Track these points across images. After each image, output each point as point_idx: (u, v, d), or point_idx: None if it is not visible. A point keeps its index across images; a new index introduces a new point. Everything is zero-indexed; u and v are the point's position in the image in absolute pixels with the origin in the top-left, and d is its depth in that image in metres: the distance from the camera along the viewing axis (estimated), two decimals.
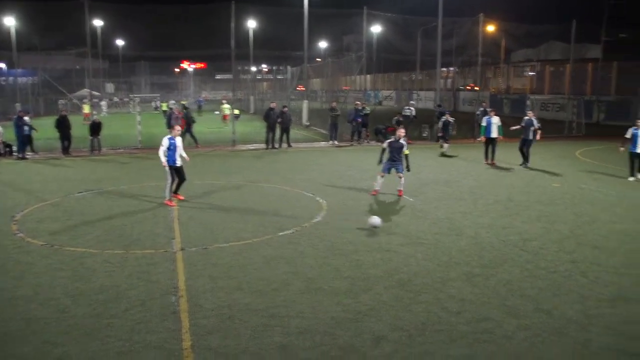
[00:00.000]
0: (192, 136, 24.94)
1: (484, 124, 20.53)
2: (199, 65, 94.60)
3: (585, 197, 14.50)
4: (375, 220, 11.03)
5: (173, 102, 40.80)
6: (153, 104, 61.48)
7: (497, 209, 13.17)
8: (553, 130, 31.20)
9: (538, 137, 19.64)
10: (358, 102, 27.77)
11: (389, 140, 14.35)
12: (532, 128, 19.44)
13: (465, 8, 39.19)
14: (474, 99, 49.05)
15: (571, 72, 43.62)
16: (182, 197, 13.61)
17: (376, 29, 52.31)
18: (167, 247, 9.92)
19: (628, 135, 17.30)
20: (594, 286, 8.19)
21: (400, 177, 14.14)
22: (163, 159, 12.95)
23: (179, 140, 13.23)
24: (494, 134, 20.19)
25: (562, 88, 45.66)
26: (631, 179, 17.05)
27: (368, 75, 64.39)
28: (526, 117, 19.80)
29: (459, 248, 9.97)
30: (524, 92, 49.80)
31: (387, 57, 57.72)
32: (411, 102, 33.58)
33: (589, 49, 48.53)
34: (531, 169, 19.06)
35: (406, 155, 14.30)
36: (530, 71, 55.79)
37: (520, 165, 19.49)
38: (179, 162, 13.17)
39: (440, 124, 20.39)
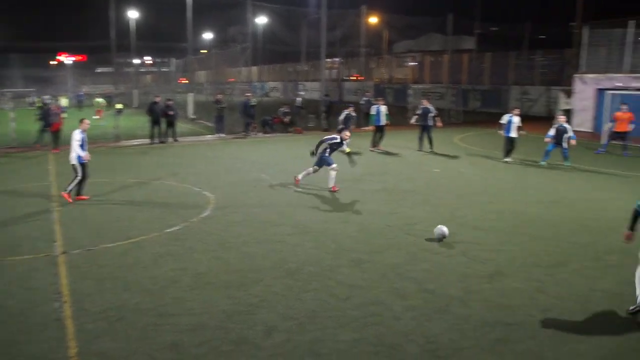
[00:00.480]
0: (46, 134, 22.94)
1: (373, 112, 21.37)
2: (78, 57, 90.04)
3: (464, 181, 15.27)
4: (444, 229, 10.03)
5: (48, 97, 38.53)
6: (28, 99, 57.76)
7: (383, 195, 13.59)
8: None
9: (439, 123, 20.98)
10: (249, 94, 27.71)
11: (332, 141, 14.16)
12: (430, 115, 20.64)
13: (349, 0, 39.93)
14: (358, 89, 50.13)
15: (449, 62, 45.67)
16: (86, 197, 13.04)
17: (261, 20, 52.20)
18: (48, 251, 9.37)
19: (503, 120, 18.59)
20: (474, 264, 8.67)
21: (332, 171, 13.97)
22: (83, 153, 12.67)
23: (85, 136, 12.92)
24: (383, 121, 21.06)
25: (441, 77, 47.73)
26: (506, 159, 18.31)
27: (254, 67, 64.12)
28: (422, 106, 21.01)
29: (347, 235, 10.19)
30: (406, 82, 51.51)
31: (272, 48, 57.79)
32: (300, 92, 33.85)
33: (464, 41, 51.01)
34: (437, 153, 20.20)
35: (348, 154, 14.43)
36: (412, 61, 57.78)
37: (418, 151, 20.78)
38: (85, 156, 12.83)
39: (342, 117, 20.60)
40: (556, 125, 17.94)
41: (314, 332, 6.37)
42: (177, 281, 7.92)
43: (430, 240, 9.83)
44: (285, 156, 19.72)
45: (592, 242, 9.92)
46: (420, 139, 20.87)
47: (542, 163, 18.07)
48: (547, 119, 34.74)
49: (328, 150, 14.09)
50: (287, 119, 28.11)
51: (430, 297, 7.39)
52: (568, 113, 30.36)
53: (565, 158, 17.85)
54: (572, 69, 33.39)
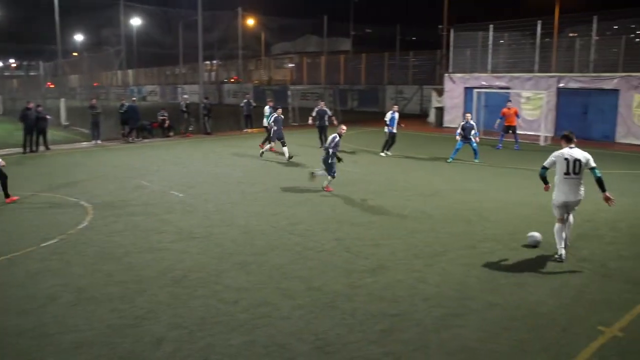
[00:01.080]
0: None
1: (267, 113, 21.90)
2: None
3: (344, 178, 15.67)
4: (537, 235, 9.84)
5: None
6: None
7: (266, 196, 13.68)
8: None
9: (335, 122, 21.63)
10: (134, 98, 27.09)
11: (336, 140, 14.35)
12: (326, 116, 21.88)
13: (225, 2, 39.66)
14: (238, 91, 49.96)
15: (326, 63, 46.56)
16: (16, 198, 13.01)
17: (135, 21, 50.60)
18: None
19: (387, 118, 19.81)
20: (357, 259, 8.96)
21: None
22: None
23: None
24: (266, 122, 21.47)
25: (319, 78, 48.61)
26: (383, 154, 19.21)
27: (130, 70, 62.04)
28: (317, 108, 22.15)
29: (231, 238, 10.17)
30: (284, 83, 51.98)
31: (148, 50, 56.13)
32: (184, 96, 33.11)
33: (340, 42, 52.31)
34: (280, 160, 19.84)
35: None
36: (290, 63, 58.38)
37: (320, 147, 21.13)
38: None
39: (271, 120, 20.00)
40: (462, 123, 18.97)
41: (205, 339, 6.33)
42: (57, 298, 7.54)
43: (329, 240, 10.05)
44: (165, 161, 19.30)
45: (467, 231, 10.56)
46: (321, 139, 22.00)
47: (450, 160, 19.00)
48: (421, 117, 36.49)
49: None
50: (166, 124, 27.50)
51: (316, 294, 7.56)
52: (440, 111, 32.06)
53: (475, 154, 18.89)
54: (442, 69, 35.22)
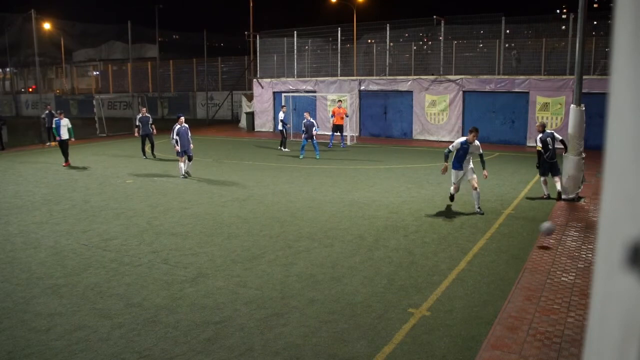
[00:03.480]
0: None
1: (54, 126, 20.27)
2: None
3: (157, 189, 15.34)
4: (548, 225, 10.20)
5: None
6: None
7: (75, 213, 12.94)
8: (122, 127, 31.94)
9: (155, 131, 21.87)
10: None
11: None
12: (150, 123, 21.57)
13: (16, 3, 36.64)
14: (38, 102, 46.49)
15: (132, 70, 45.01)
16: None
17: None
18: None
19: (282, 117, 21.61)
20: (176, 270, 8.85)
21: None
22: None
23: None
24: (65, 135, 20.10)
25: (126, 86, 46.88)
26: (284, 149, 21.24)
27: None
28: (140, 115, 21.69)
29: (39, 261, 9.49)
30: (90, 92, 49.37)
31: None
32: None
33: (148, 49, 50.83)
34: (89, 174, 19.20)
35: None
36: (94, 71, 55.54)
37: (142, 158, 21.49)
38: None
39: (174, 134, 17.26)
40: (304, 121, 20.17)
41: None
42: None
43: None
44: None
45: (282, 232, 10.89)
46: (143, 148, 21.63)
47: (300, 157, 20.48)
48: (233, 122, 36.73)
49: None
50: None
51: (137, 310, 7.35)
52: (251, 115, 32.55)
53: (316, 151, 20.42)
54: (251, 74, 35.77)
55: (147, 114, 21.87)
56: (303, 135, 20.40)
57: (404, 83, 27.15)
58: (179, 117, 17.24)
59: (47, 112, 27.13)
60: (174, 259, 9.42)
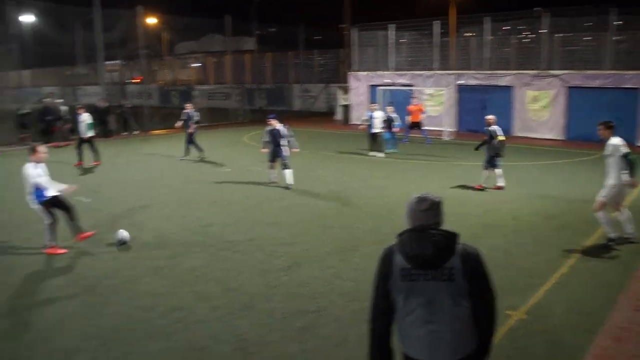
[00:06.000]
0: None
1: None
2: None
3: (254, 178, 15.65)
4: (123, 234, 9.85)
5: None
6: None
7: (175, 198, 13.43)
8: (221, 117, 32.90)
9: (191, 129, 19.24)
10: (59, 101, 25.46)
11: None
12: (193, 120, 19.27)
13: (124, 0, 38.47)
14: (142, 92, 48.66)
15: (231, 63, 46.18)
16: (90, 233, 10.03)
17: (27, 18, 48.07)
18: None
19: (365, 117, 20.16)
20: (272, 259, 9.00)
21: None
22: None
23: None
24: (88, 133, 18.49)
25: (225, 78, 48.15)
26: (373, 154, 19.50)
27: (25, 71, 58.92)
28: (185, 111, 19.57)
29: (143, 243, 9.92)
30: (190, 84, 51.09)
31: (44, 50, 53.46)
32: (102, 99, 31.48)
33: (245, 42, 51.93)
34: (190, 161, 19.14)
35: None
36: (195, 63, 57.43)
37: (181, 159, 19.42)
38: (52, 192, 9.48)
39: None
40: (387, 115, 19.89)
41: (121, 348, 6.16)
42: None
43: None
44: (68, 165, 18.43)
45: (377, 226, 10.82)
46: (187, 147, 19.53)
47: (390, 151, 20.03)
48: (329, 115, 36.93)
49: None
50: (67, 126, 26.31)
51: (234, 295, 7.53)
52: (347, 108, 32.57)
53: (392, 145, 20.26)
54: (346, 67, 35.79)
55: (190, 111, 19.53)
56: (385, 130, 19.72)
57: (503, 78, 26.29)
58: (269, 119, 14.82)
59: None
60: (270, 247, 9.58)
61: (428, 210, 3.51)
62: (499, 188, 13.86)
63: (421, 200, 3.55)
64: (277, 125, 14.34)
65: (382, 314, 3.58)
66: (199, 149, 19.47)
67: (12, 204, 12.86)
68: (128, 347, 6.17)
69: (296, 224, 11.11)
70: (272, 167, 14.76)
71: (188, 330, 6.56)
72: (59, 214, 9.56)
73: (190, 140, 19.38)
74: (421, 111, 23.53)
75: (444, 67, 28.88)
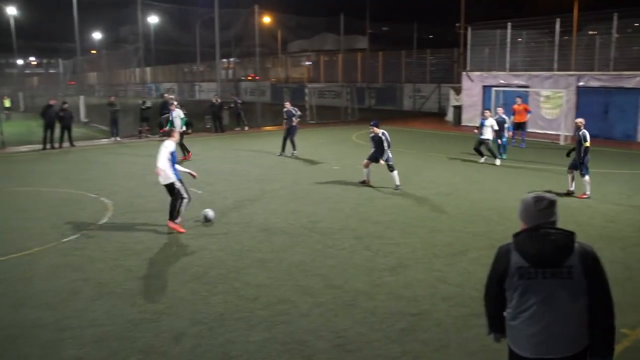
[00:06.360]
0: None
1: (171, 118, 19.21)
2: None
3: (362, 177, 15.60)
4: (209, 213, 11.08)
5: None
6: None
7: (284, 194, 13.67)
8: (331, 116, 33.16)
9: (294, 123, 19.56)
10: (171, 97, 26.81)
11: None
12: (294, 117, 19.59)
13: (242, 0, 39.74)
14: (255, 89, 50.10)
15: (343, 61, 46.49)
16: (181, 230, 10.52)
17: (153, 19, 50.87)
18: None
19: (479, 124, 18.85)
20: (377, 258, 8.92)
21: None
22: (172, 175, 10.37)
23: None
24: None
25: (336, 76, 48.56)
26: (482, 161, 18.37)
27: (148, 68, 62.46)
28: (285, 109, 19.79)
29: (250, 235, 10.17)
30: (302, 81, 51.96)
31: (166, 48, 56.42)
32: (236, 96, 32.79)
33: (357, 40, 52.14)
34: (298, 158, 19.36)
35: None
36: (307, 61, 58.39)
37: (279, 155, 19.67)
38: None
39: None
40: (495, 118, 18.60)
41: (224, 335, 6.33)
42: (78, 292, 7.60)
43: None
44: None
45: (488, 231, 10.46)
46: (284, 144, 19.80)
47: (503, 157, 18.71)
48: (439, 115, 36.30)
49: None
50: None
51: (337, 292, 7.53)
52: (458, 109, 31.87)
53: (503, 150, 18.87)
54: (460, 67, 35.00)
55: (290, 108, 19.77)
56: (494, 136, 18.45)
57: (631, 79, 24.62)
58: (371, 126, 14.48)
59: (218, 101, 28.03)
60: (376, 246, 9.51)
61: (545, 210, 3.54)
62: (585, 196, 13.09)
63: (539, 199, 3.57)
64: (379, 131, 14.17)
65: (495, 305, 3.79)
66: (293, 146, 19.71)
67: (133, 190, 13.57)
68: (231, 335, 6.32)
69: (403, 224, 10.95)
70: (366, 166, 14.62)
71: (290, 323, 6.63)
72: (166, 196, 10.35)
73: (288, 137, 19.67)
74: (527, 111, 22.46)
75: (563, 67, 27.48)
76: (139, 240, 9.92)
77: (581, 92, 26.28)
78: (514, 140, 22.23)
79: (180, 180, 10.44)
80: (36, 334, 6.42)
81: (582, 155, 12.90)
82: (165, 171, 10.23)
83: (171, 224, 10.35)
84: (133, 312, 6.94)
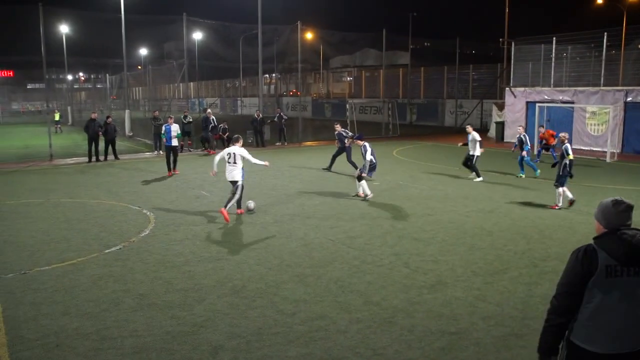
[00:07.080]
0: None
1: (163, 132, 19.66)
2: (5, 73, 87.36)
3: (403, 193, 15.53)
4: (251, 204, 13.30)
5: None
6: None
7: (324, 209, 13.67)
8: (371, 131, 33.10)
9: (347, 143, 19.46)
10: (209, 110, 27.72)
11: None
12: (345, 139, 19.46)
13: (284, 16, 40.21)
14: (297, 104, 50.51)
15: (384, 77, 46.46)
16: (227, 218, 12.44)
17: (197, 35, 51.79)
18: None
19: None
20: (416, 275, 8.83)
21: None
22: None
23: None
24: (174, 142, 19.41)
25: (378, 92, 48.55)
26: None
27: (191, 83, 63.53)
28: (336, 132, 19.82)
29: (290, 250, 10.19)
30: (343, 97, 52.12)
31: (209, 64, 57.32)
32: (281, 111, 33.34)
33: (399, 56, 52.14)
34: (338, 173, 19.54)
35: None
36: (348, 76, 58.58)
37: (324, 169, 20.25)
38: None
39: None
40: (517, 136, 18.62)
41: (262, 350, 6.33)
42: (119, 303, 7.72)
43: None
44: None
45: (528, 249, 10.25)
46: (333, 159, 20.09)
47: (537, 173, 18.47)
48: (482, 131, 35.87)
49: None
50: (226, 135, 27.94)
51: (375, 309, 7.47)
52: (501, 125, 31.45)
53: (522, 170, 18.64)
54: (503, 82, 34.58)
55: (340, 130, 19.76)
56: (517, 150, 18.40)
57: None
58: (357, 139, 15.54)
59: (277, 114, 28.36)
60: (415, 263, 9.41)
61: (624, 212, 3.82)
62: (556, 207, 13.66)
63: (618, 202, 3.84)
64: (361, 143, 14.93)
65: (569, 311, 3.83)
66: (331, 163, 20.11)
67: (175, 203, 13.75)
68: (268, 350, 6.32)
69: (443, 241, 10.83)
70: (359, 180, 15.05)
71: (327, 339, 6.60)
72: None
73: (339, 156, 19.81)
74: (553, 135, 21.71)
75: (610, 82, 26.88)
76: (179, 253, 10.04)
77: (629, 107, 25.66)
78: (537, 159, 21.69)
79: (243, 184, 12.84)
80: (77, 343, 6.54)
81: (562, 167, 13.38)
82: (239, 171, 12.76)
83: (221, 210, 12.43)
84: (172, 324, 7.01)
